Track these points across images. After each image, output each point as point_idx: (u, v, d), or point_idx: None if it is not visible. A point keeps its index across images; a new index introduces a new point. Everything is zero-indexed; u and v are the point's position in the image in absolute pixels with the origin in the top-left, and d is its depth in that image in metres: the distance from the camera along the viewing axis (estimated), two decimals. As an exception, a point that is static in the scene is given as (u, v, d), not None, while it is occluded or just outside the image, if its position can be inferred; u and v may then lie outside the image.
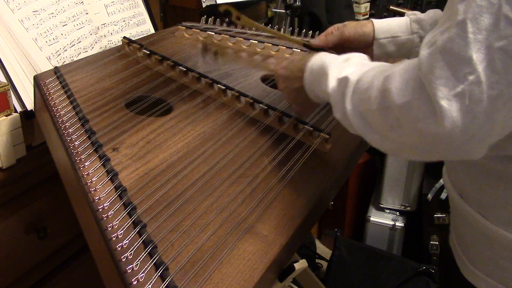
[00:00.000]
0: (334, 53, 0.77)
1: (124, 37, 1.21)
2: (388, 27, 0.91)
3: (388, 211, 1.98)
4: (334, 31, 0.93)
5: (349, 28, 0.92)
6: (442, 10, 0.91)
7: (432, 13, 0.89)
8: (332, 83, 0.68)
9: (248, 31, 1.34)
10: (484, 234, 0.68)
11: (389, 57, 0.94)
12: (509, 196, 0.64)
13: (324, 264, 1.92)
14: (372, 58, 0.92)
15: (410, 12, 0.93)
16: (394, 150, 0.62)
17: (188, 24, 1.36)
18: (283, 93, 0.87)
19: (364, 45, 0.92)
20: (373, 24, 0.91)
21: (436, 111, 0.52)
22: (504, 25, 0.49)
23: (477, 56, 0.49)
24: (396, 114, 0.56)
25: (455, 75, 0.50)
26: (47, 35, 1.16)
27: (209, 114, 0.95)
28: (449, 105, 0.50)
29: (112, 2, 1.37)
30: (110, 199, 0.69)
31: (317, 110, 0.98)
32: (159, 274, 0.58)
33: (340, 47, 0.93)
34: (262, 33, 1.34)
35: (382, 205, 1.97)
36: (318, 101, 0.79)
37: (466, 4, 0.50)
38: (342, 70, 0.68)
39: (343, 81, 0.66)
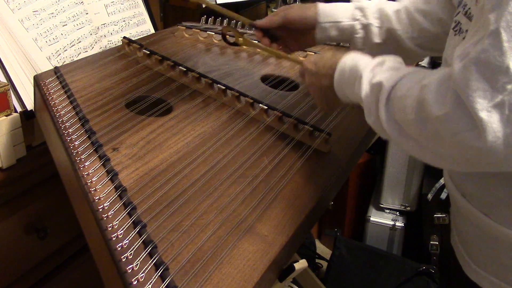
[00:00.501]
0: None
1: (124, 37, 1.21)
2: (331, 11, 0.91)
3: (388, 211, 1.97)
4: (279, 13, 0.94)
5: (294, 10, 0.93)
6: None
7: (377, 1, 0.90)
8: (365, 87, 0.67)
9: (248, 31, 1.34)
10: (487, 233, 0.68)
11: (331, 41, 0.95)
12: (511, 195, 0.64)
13: (324, 264, 1.92)
14: (314, 41, 0.93)
15: None
16: (433, 160, 0.61)
17: (188, 24, 1.36)
18: (309, 89, 0.85)
19: (307, 28, 0.92)
20: (317, 8, 0.92)
21: (476, 124, 0.51)
22: None
23: None
24: (435, 126, 0.55)
25: (492, 86, 0.50)
26: (47, 35, 1.16)
27: (209, 114, 0.95)
28: (489, 117, 0.50)
29: (112, 2, 1.37)
30: (110, 199, 0.69)
31: (317, 110, 0.98)
32: (159, 274, 0.58)
33: (284, 28, 0.94)
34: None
35: (382, 205, 1.97)
36: (347, 102, 0.78)
37: (498, 13, 0.50)
38: (376, 74, 0.67)
39: (377, 87, 0.65)
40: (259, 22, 0.95)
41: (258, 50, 1.24)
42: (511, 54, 0.49)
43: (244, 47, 1.26)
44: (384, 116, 0.63)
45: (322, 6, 0.92)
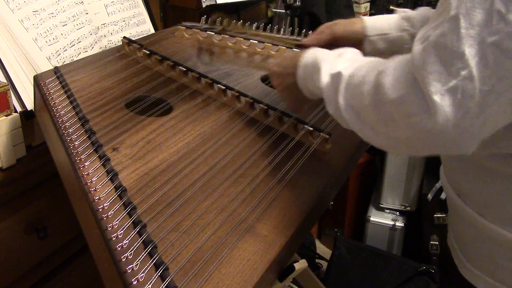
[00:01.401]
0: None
1: (124, 37, 1.21)
2: (378, 24, 0.91)
3: (388, 211, 1.97)
4: (325, 30, 0.94)
5: (340, 26, 0.93)
6: None
7: (423, 10, 0.90)
8: (325, 78, 0.69)
9: (248, 31, 1.34)
10: (481, 232, 0.68)
11: (380, 54, 0.94)
12: (506, 194, 0.64)
13: (324, 264, 1.92)
14: (364, 55, 0.94)
15: (400, 9, 0.93)
16: (387, 145, 0.63)
17: (188, 24, 1.36)
18: (277, 90, 0.87)
19: (355, 43, 0.91)
20: (363, 22, 0.92)
21: (429, 106, 0.52)
22: (497, 20, 0.49)
23: (469, 51, 0.49)
24: (389, 109, 0.57)
25: (447, 70, 0.51)
26: (47, 35, 1.16)
27: (209, 114, 0.95)
28: (441, 100, 0.51)
29: (112, 2, 1.37)
30: (110, 199, 0.69)
31: (317, 110, 0.98)
32: (159, 274, 0.58)
33: (332, 45, 0.92)
34: (262, 33, 1.34)
35: (382, 205, 1.97)
36: (312, 97, 0.79)
37: None
38: (335, 65, 0.68)
39: (336, 77, 0.67)
40: (306, 42, 0.95)
41: (244, 44, 1.24)
42: (467, 41, 0.49)
43: (244, 46, 1.26)
44: (342, 103, 0.64)
45: (368, 19, 0.92)
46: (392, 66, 0.58)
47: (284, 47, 1.20)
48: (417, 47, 0.54)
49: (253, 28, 1.35)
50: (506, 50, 0.49)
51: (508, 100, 0.51)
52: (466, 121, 0.51)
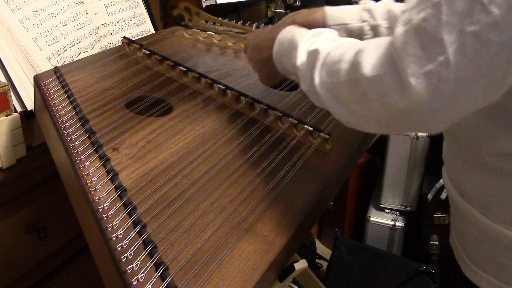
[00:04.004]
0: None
1: (124, 37, 1.21)
2: (338, 14, 0.92)
3: (388, 211, 1.97)
4: (286, 20, 0.94)
5: (301, 15, 0.93)
6: None
7: (385, 3, 0.91)
8: (301, 56, 0.69)
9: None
10: (485, 232, 0.68)
11: None
12: (509, 193, 0.64)
13: (324, 264, 1.92)
14: None
15: (362, 1, 0.94)
16: (358, 123, 0.64)
17: (188, 24, 1.36)
18: (251, 62, 0.88)
19: None
20: (324, 11, 0.92)
21: (404, 87, 0.53)
22: (478, 11, 0.49)
23: (448, 38, 0.50)
24: (365, 87, 0.57)
25: (425, 54, 0.51)
26: (47, 35, 1.16)
27: (209, 114, 0.95)
28: (416, 83, 0.52)
29: (112, 2, 1.37)
30: (110, 199, 0.69)
31: (318, 110, 0.98)
32: (159, 274, 0.58)
33: None
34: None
35: (382, 205, 1.97)
36: (284, 74, 0.80)
37: None
38: (312, 43, 0.69)
39: (313, 54, 0.67)
40: None
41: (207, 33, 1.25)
42: (447, 28, 0.50)
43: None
44: (317, 80, 0.65)
45: (329, 9, 0.92)
46: (372, 45, 0.59)
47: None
48: (399, 28, 0.55)
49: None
50: (484, 40, 0.49)
51: (481, 87, 0.52)
52: (438, 104, 0.52)
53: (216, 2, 1.66)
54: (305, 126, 0.90)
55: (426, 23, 0.51)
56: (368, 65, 0.57)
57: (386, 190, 1.95)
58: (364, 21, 0.90)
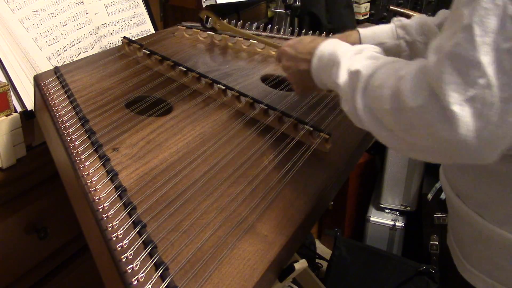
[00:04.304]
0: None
1: (124, 37, 1.21)
2: (373, 34, 0.91)
3: (388, 211, 1.98)
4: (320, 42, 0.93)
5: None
6: (440, 10, 0.91)
7: (418, 18, 0.90)
8: (343, 75, 0.68)
9: (248, 31, 1.34)
10: (480, 233, 0.68)
11: None
12: (504, 194, 0.64)
13: (324, 264, 1.93)
14: None
15: (395, 18, 0.93)
16: (405, 150, 0.62)
17: (188, 24, 1.36)
18: (286, 72, 0.86)
19: None
20: (359, 33, 0.91)
21: (448, 117, 0.51)
22: (511, 26, 0.48)
23: (485, 59, 0.49)
24: (409, 117, 0.56)
25: (465, 80, 0.50)
26: (47, 35, 1.16)
27: (209, 114, 0.95)
28: (461, 111, 0.50)
29: (112, 2, 1.37)
30: (110, 199, 0.69)
31: (318, 110, 0.98)
32: (159, 274, 0.58)
33: None
34: (262, 33, 1.34)
35: (382, 205, 1.97)
36: (323, 88, 0.79)
37: (472, 7, 0.50)
38: (354, 62, 0.67)
39: (355, 75, 0.66)
40: None
41: (240, 38, 1.24)
42: (483, 49, 0.49)
43: (244, 47, 1.26)
44: (360, 104, 0.64)
45: (363, 31, 0.91)
46: (412, 72, 0.57)
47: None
48: (431, 58, 0.53)
49: (249, 28, 1.35)
50: None
51: None
52: (487, 131, 0.50)
53: (216, 2, 1.66)
54: (305, 126, 0.90)
55: (459, 48, 0.50)
56: (410, 94, 0.55)
57: (386, 190, 1.95)
58: (400, 38, 0.89)
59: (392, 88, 0.58)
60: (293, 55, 0.82)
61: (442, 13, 0.89)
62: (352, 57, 0.69)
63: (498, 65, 0.49)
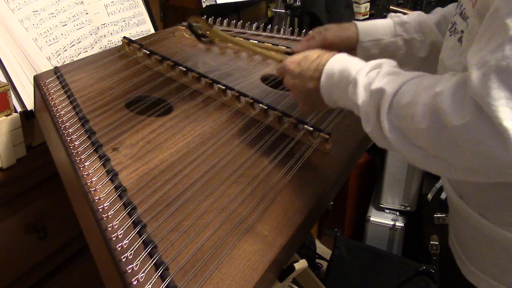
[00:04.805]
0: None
1: (124, 37, 1.21)
2: (372, 30, 0.88)
3: (388, 211, 1.98)
4: (316, 36, 0.90)
5: (332, 32, 0.90)
6: (436, 8, 0.89)
7: (416, 15, 0.88)
8: (362, 93, 0.64)
9: (248, 31, 1.34)
10: (485, 235, 0.68)
11: (371, 59, 0.89)
12: (509, 195, 0.64)
13: (324, 264, 1.92)
14: None
15: (393, 14, 0.92)
16: (443, 170, 0.59)
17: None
18: (292, 91, 0.81)
19: (347, 49, 0.87)
20: (356, 27, 0.89)
21: (501, 133, 0.49)
22: None
23: None
24: (453, 135, 0.53)
25: None
26: (47, 35, 1.16)
27: (209, 114, 0.95)
28: None
29: (112, 2, 1.37)
30: (110, 199, 0.69)
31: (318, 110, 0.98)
32: (159, 274, 0.58)
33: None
34: (262, 33, 1.34)
35: (382, 205, 1.97)
36: (334, 106, 0.75)
37: None
38: (373, 79, 0.64)
39: (377, 94, 0.62)
40: (297, 49, 0.91)
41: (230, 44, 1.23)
42: None
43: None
44: (386, 124, 0.60)
45: (361, 25, 0.89)
46: (450, 87, 0.54)
47: (284, 47, 1.20)
48: (475, 73, 0.51)
49: (249, 28, 1.35)
50: None
51: None
52: None
53: (216, 2, 1.66)
54: (305, 126, 0.90)
55: (507, 61, 0.48)
56: (452, 111, 0.52)
57: (386, 190, 1.95)
58: (397, 35, 0.87)
59: (428, 106, 0.55)
60: (298, 73, 0.76)
61: (439, 11, 0.87)
62: (368, 73, 0.65)
63: None
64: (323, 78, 0.72)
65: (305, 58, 0.77)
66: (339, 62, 0.70)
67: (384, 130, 0.61)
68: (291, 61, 0.79)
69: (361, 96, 0.64)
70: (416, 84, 0.60)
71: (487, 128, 0.50)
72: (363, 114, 0.65)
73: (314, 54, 0.76)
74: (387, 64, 0.67)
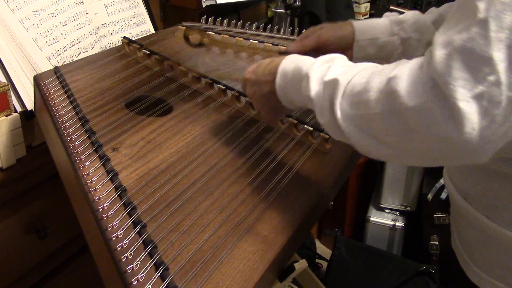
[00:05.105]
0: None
1: (124, 37, 1.21)
2: (368, 28, 0.88)
3: (388, 211, 1.98)
4: (310, 35, 0.90)
5: (327, 30, 0.89)
6: (431, 8, 0.89)
7: (412, 14, 0.87)
8: (315, 86, 0.64)
9: (248, 31, 1.34)
10: (489, 236, 0.67)
11: (369, 59, 0.87)
12: None
13: (324, 264, 1.92)
14: (351, 60, 0.90)
15: (389, 13, 0.91)
16: (392, 157, 0.59)
17: (188, 24, 1.36)
18: (252, 100, 0.81)
19: (343, 48, 0.88)
20: (352, 26, 0.88)
21: (453, 114, 0.49)
22: None
23: (497, 56, 0.47)
24: (406, 118, 0.53)
25: (474, 76, 0.48)
26: (47, 35, 1.16)
27: (209, 114, 0.95)
28: (468, 107, 0.48)
29: (112, 2, 1.37)
30: (110, 199, 0.69)
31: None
32: (159, 274, 0.58)
33: (318, 51, 0.88)
34: (262, 33, 1.34)
35: (382, 205, 1.97)
36: (291, 107, 0.75)
37: (488, 2, 0.48)
38: (327, 71, 0.64)
39: (331, 84, 0.62)
40: (291, 49, 0.91)
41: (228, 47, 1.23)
42: (497, 45, 0.47)
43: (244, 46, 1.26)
44: (339, 113, 0.60)
45: (357, 24, 0.88)
46: (406, 70, 0.54)
47: (284, 47, 1.20)
48: (439, 52, 0.51)
49: (249, 27, 1.35)
50: None
51: None
52: (489, 130, 0.49)
53: (216, 2, 1.66)
54: (305, 126, 0.90)
55: (472, 43, 0.48)
56: (407, 93, 0.52)
57: (386, 190, 1.95)
58: (394, 34, 0.86)
59: (382, 90, 0.55)
60: (255, 80, 0.77)
61: (434, 10, 0.87)
62: (321, 66, 0.65)
63: (509, 63, 0.47)
64: (277, 79, 0.72)
65: (259, 65, 0.78)
66: (292, 61, 0.71)
67: (338, 120, 0.60)
68: (248, 71, 0.79)
69: (314, 88, 0.64)
70: (370, 71, 0.59)
71: (442, 108, 0.50)
72: (317, 107, 0.64)
73: (267, 60, 0.77)
74: (339, 58, 0.67)
